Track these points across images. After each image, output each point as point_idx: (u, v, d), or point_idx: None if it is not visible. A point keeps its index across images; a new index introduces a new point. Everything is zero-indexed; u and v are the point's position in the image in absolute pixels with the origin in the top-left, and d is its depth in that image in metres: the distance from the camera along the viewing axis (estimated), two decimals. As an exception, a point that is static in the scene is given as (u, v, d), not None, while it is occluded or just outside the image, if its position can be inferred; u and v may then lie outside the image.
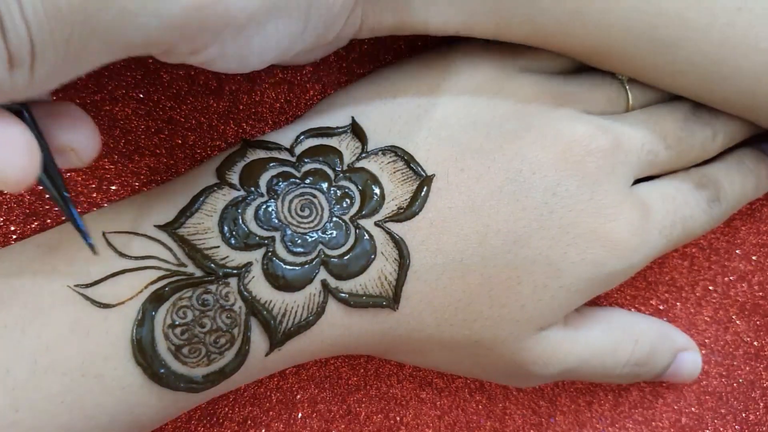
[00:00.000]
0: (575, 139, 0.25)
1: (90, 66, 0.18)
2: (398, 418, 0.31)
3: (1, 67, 0.16)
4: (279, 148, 0.25)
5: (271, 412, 0.30)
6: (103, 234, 0.23)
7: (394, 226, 0.24)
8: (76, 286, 0.22)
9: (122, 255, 0.23)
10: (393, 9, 0.24)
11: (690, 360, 0.30)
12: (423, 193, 0.24)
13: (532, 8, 0.24)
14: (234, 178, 0.24)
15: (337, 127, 0.26)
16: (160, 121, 0.29)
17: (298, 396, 0.30)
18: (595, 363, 0.27)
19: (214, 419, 0.30)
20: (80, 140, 0.20)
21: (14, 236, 0.28)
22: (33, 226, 0.28)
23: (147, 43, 0.18)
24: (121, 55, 0.18)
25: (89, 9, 0.16)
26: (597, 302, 0.32)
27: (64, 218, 0.28)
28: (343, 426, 0.31)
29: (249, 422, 0.30)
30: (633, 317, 0.30)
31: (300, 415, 0.30)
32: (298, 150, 0.25)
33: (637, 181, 0.27)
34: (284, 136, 0.26)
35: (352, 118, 0.26)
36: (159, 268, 0.23)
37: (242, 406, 0.30)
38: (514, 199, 0.24)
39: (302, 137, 0.25)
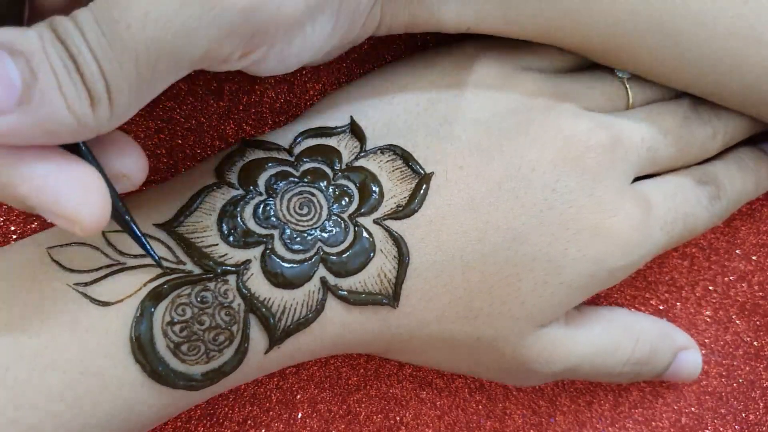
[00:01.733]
0: (574, 134, 0.25)
1: (162, 86, 0.19)
2: (398, 418, 0.31)
3: (85, 106, 0.17)
4: (278, 148, 0.25)
5: (271, 412, 0.30)
6: (102, 233, 0.23)
7: (393, 224, 0.24)
8: (76, 284, 0.22)
9: (121, 253, 0.23)
10: (408, 6, 0.24)
11: (690, 359, 0.30)
12: (422, 191, 0.24)
13: (541, 1, 0.24)
14: (233, 177, 0.24)
15: (336, 127, 0.26)
16: (160, 121, 0.29)
17: (298, 396, 0.30)
18: (596, 362, 0.27)
19: (214, 419, 0.30)
20: (131, 165, 0.21)
21: (14, 236, 0.28)
22: (33, 226, 0.28)
23: (208, 53, 0.18)
24: (188, 70, 0.19)
25: (148, 33, 0.17)
26: (597, 302, 0.32)
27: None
28: (343, 426, 0.31)
29: (249, 422, 0.30)
30: (634, 316, 0.30)
31: (300, 415, 0.30)
32: (297, 150, 0.25)
33: (637, 180, 0.27)
34: (283, 136, 0.26)
35: (351, 117, 0.26)
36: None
37: (242, 406, 0.30)
38: (513, 196, 0.24)
39: (301, 137, 0.25)
